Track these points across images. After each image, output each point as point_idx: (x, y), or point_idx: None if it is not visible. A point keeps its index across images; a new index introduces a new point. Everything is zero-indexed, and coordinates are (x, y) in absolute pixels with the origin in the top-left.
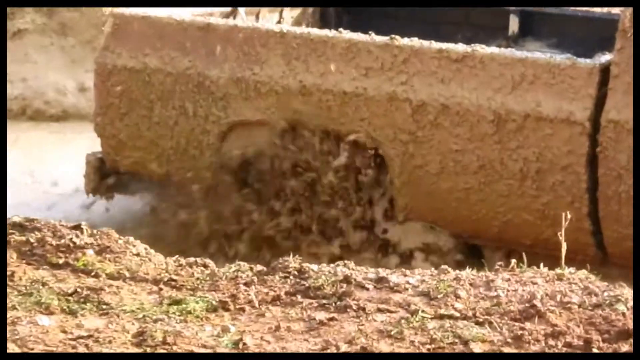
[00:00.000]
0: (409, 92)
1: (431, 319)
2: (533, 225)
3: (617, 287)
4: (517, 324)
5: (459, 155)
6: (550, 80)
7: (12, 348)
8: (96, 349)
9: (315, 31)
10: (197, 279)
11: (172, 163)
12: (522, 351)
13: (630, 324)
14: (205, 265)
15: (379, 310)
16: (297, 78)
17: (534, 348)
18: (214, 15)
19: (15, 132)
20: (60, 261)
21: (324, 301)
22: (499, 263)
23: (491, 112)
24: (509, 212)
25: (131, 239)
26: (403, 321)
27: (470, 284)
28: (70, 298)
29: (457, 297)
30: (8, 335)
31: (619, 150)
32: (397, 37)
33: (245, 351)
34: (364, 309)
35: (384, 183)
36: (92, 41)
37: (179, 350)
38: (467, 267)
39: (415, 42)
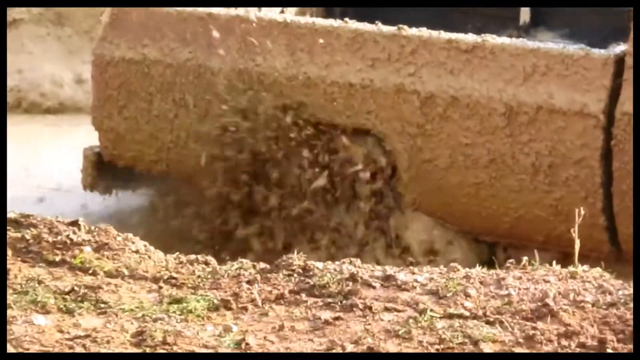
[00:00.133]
0: (417, 83)
1: (440, 318)
2: (545, 222)
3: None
4: (529, 323)
5: (468, 149)
6: (563, 71)
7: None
8: (94, 349)
9: (320, 21)
10: (198, 276)
11: (172, 157)
12: (534, 352)
13: None
14: (206, 263)
15: (386, 309)
16: (302, 69)
17: (547, 348)
18: None
19: (9, 125)
20: (57, 258)
21: (329, 300)
22: (510, 261)
23: (502, 104)
24: (521, 208)
25: (130, 235)
26: (411, 321)
27: (481, 282)
28: (67, 297)
29: (467, 295)
30: None
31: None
32: (405, 27)
33: (248, 351)
34: (370, 308)
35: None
36: (90, 31)
37: (180, 351)
38: (477, 264)
39: (423, 32)
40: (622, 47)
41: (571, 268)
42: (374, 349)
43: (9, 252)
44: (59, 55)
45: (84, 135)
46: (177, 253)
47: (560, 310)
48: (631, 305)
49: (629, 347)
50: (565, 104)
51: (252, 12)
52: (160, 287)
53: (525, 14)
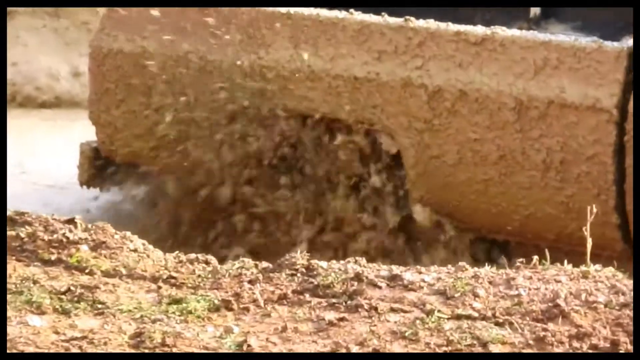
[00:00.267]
0: (425, 77)
1: (448, 319)
2: (556, 219)
3: None
4: (539, 324)
5: (477, 145)
6: (575, 64)
7: None
8: (90, 350)
9: (325, 12)
10: (199, 276)
11: (172, 152)
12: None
13: None
14: (207, 262)
15: (392, 309)
16: (305, 62)
17: (558, 350)
18: None
19: None
20: (53, 257)
21: (334, 300)
22: (520, 260)
23: (512, 98)
24: (531, 206)
25: (128, 233)
26: (418, 321)
27: (490, 282)
28: (63, 297)
29: (476, 296)
30: None
31: None
32: (412, 18)
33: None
34: (376, 309)
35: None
36: (87, 23)
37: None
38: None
39: (431, 24)
40: None
41: (583, 267)
42: (379, 351)
43: None
44: (55, 48)
45: (80, 130)
46: (177, 252)
47: (572, 311)
48: None
49: None
50: (577, 99)
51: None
52: (159, 287)
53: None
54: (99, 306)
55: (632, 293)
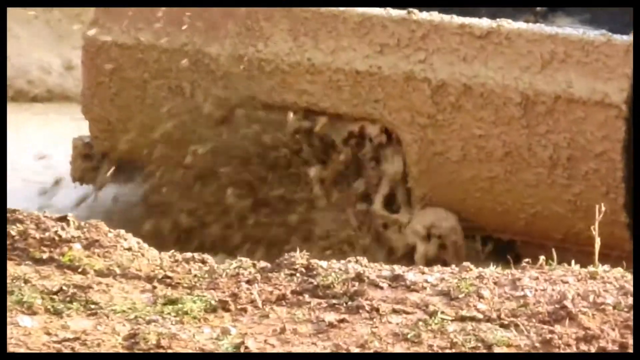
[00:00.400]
0: (428, 71)
1: (451, 321)
2: (564, 218)
3: None
4: (546, 326)
5: (482, 141)
6: (583, 58)
7: None
8: (83, 352)
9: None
10: (195, 276)
11: (167, 148)
12: None
13: None
14: (203, 261)
15: (394, 311)
16: (305, 55)
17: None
18: None
19: None
20: (45, 256)
21: (334, 301)
22: (526, 260)
23: (518, 93)
24: (538, 204)
25: (122, 232)
26: (421, 323)
27: (495, 283)
28: (55, 297)
29: (480, 297)
30: None
31: None
32: (415, 10)
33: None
34: (377, 310)
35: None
36: (80, 14)
37: None
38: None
39: (435, 16)
40: None
41: (591, 268)
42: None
43: None
44: (48, 40)
45: (73, 125)
46: (173, 251)
47: (580, 312)
48: None
49: None
50: (585, 93)
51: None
52: (154, 287)
53: None
54: (92, 306)
55: None
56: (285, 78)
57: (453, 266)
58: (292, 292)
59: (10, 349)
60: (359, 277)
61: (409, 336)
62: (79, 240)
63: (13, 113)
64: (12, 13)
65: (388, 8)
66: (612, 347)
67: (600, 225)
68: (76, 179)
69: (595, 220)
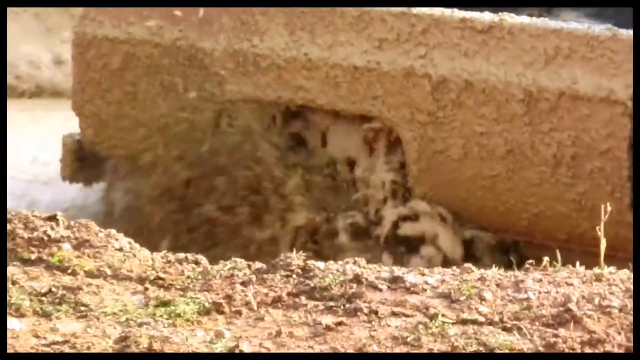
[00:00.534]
0: (428, 66)
1: (452, 324)
2: (568, 218)
3: None
4: (549, 330)
5: (484, 139)
6: (588, 54)
7: None
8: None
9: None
10: (188, 277)
11: (159, 146)
12: None
13: None
14: (197, 262)
15: (394, 313)
16: (302, 50)
17: None
18: None
19: None
20: (33, 257)
21: (331, 303)
22: (530, 261)
23: (521, 89)
24: (541, 203)
25: (113, 231)
26: (421, 326)
27: (497, 285)
28: (43, 298)
29: (482, 299)
30: None
31: None
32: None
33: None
34: (376, 313)
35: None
36: (70, 8)
37: None
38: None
39: (435, 10)
40: None
41: (596, 269)
42: None
43: None
44: (37, 34)
45: (63, 122)
46: (165, 251)
47: (584, 315)
48: None
49: None
50: (590, 90)
51: None
52: (146, 289)
53: None
54: (82, 308)
55: None
56: (281, 74)
57: (454, 267)
58: (288, 294)
59: None
60: (357, 279)
61: (408, 340)
62: (69, 240)
63: None
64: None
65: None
66: (617, 351)
67: (606, 226)
68: (66, 178)
69: (600, 220)
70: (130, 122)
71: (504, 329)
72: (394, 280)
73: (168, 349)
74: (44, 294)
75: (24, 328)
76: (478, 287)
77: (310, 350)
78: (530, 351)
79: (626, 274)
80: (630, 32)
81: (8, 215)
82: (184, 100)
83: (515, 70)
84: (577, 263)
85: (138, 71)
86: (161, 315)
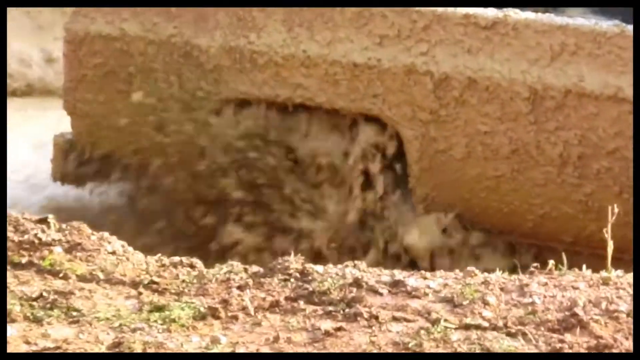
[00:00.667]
0: (430, 64)
1: (455, 329)
2: (574, 220)
3: None
4: (555, 335)
5: (488, 138)
6: (595, 50)
7: None
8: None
9: None
10: (183, 281)
11: (154, 146)
12: None
13: None
14: (192, 266)
15: (395, 318)
16: (300, 47)
17: None
18: None
19: None
20: (24, 260)
21: (331, 308)
22: (535, 265)
23: (526, 87)
24: (546, 204)
25: (106, 234)
26: (422, 332)
27: (501, 289)
28: (34, 303)
29: (486, 304)
30: None
31: None
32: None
33: None
34: (376, 318)
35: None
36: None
37: None
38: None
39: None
40: None
41: (603, 273)
42: None
43: None
44: (27, 31)
45: (54, 121)
46: (159, 255)
47: (591, 320)
48: None
49: None
50: (597, 88)
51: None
52: (140, 293)
53: None
54: (74, 314)
55: None
56: (279, 71)
57: (457, 271)
58: (286, 298)
59: None
60: (357, 283)
61: (410, 345)
62: (60, 244)
63: None
64: None
65: None
66: None
67: (613, 227)
68: (57, 179)
69: (607, 222)
70: (123, 121)
71: (508, 334)
72: (395, 284)
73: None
74: (35, 299)
75: (15, 334)
76: (481, 291)
77: None
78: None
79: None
80: None
81: None
82: (180, 99)
83: (520, 68)
84: (584, 266)
85: (132, 69)
86: (155, 321)
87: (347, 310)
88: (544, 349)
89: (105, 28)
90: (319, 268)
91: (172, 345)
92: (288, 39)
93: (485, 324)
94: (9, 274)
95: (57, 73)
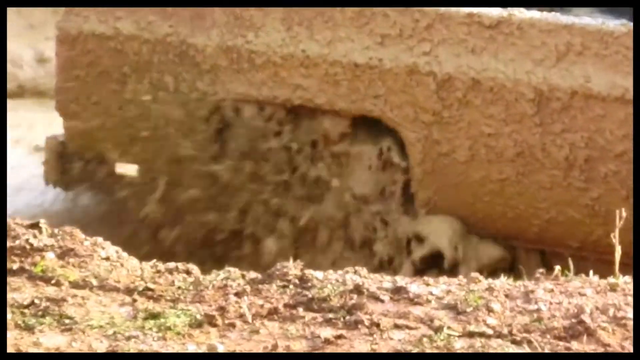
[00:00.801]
0: (433, 64)
1: (459, 337)
2: (581, 224)
3: None
4: (561, 343)
5: (492, 140)
6: (602, 50)
7: None
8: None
9: None
10: (179, 288)
11: (148, 148)
12: None
13: None
14: (188, 272)
15: (396, 326)
16: (300, 47)
17: None
18: None
19: None
20: (15, 266)
21: (331, 315)
22: (540, 270)
23: (531, 88)
24: (552, 208)
25: (99, 239)
26: (425, 340)
27: (506, 296)
28: (26, 311)
29: (490, 310)
30: None
31: None
32: None
33: None
34: (378, 325)
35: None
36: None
37: None
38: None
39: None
40: None
41: (611, 279)
42: None
43: None
44: (18, 30)
45: (46, 123)
46: (154, 260)
47: (599, 328)
48: None
49: None
50: (604, 89)
51: None
52: (135, 300)
53: None
54: (67, 321)
55: None
56: (278, 71)
57: (460, 277)
58: (285, 305)
59: None
60: (357, 289)
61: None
62: (53, 249)
63: None
64: None
65: None
66: None
67: (621, 232)
68: (50, 182)
69: (615, 227)
70: (117, 123)
71: (513, 342)
72: (397, 291)
73: None
74: (27, 306)
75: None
76: (486, 297)
77: None
78: None
79: None
80: None
81: None
82: (175, 100)
83: (525, 68)
84: (591, 272)
85: (126, 69)
86: (150, 328)
87: (347, 317)
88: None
89: (99, 27)
90: (319, 274)
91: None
92: (287, 39)
93: (490, 332)
94: None
95: (49, 73)
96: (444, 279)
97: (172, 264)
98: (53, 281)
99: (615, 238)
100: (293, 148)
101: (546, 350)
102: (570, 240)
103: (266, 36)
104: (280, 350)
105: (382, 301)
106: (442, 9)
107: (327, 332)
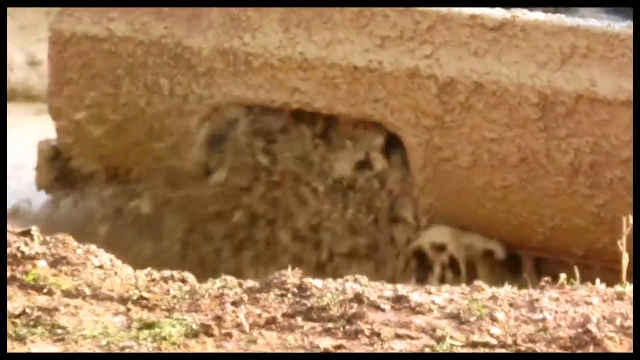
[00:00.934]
0: (435, 67)
1: (462, 347)
2: (586, 232)
3: None
4: (567, 353)
5: (495, 145)
6: (607, 53)
7: None
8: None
9: None
10: (174, 297)
11: (143, 152)
12: None
13: None
14: (183, 280)
15: (398, 336)
16: (297, 49)
17: None
18: None
19: None
20: (6, 275)
21: (330, 325)
22: (545, 279)
23: (535, 92)
24: (557, 216)
25: (93, 247)
26: (427, 350)
27: (510, 304)
28: (17, 320)
29: (494, 320)
30: None
31: None
32: None
33: None
34: (378, 335)
35: None
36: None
37: None
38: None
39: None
40: None
41: (618, 287)
42: None
43: None
44: (9, 32)
45: (38, 127)
46: (149, 268)
47: (605, 337)
48: None
49: None
50: (609, 92)
51: None
52: (129, 309)
53: None
54: (59, 331)
55: None
56: (275, 74)
57: (463, 285)
58: (283, 314)
59: None
60: (357, 298)
61: None
62: (45, 257)
63: None
64: None
65: None
66: None
67: (628, 240)
68: (42, 187)
69: (621, 234)
70: (111, 127)
71: (518, 352)
72: (398, 300)
73: None
74: (18, 316)
75: None
76: (489, 306)
77: None
78: None
79: None
80: None
81: None
82: (170, 103)
83: (529, 71)
84: (597, 280)
85: (120, 72)
86: (145, 338)
87: (347, 327)
88: None
89: (92, 28)
90: (318, 282)
91: None
92: (285, 40)
93: (494, 342)
94: None
95: (41, 76)
96: (446, 287)
97: (167, 272)
98: (45, 290)
99: (621, 245)
100: None
101: None
102: (575, 248)
103: (263, 38)
104: None
105: (383, 310)
106: (444, 10)
107: (326, 342)
